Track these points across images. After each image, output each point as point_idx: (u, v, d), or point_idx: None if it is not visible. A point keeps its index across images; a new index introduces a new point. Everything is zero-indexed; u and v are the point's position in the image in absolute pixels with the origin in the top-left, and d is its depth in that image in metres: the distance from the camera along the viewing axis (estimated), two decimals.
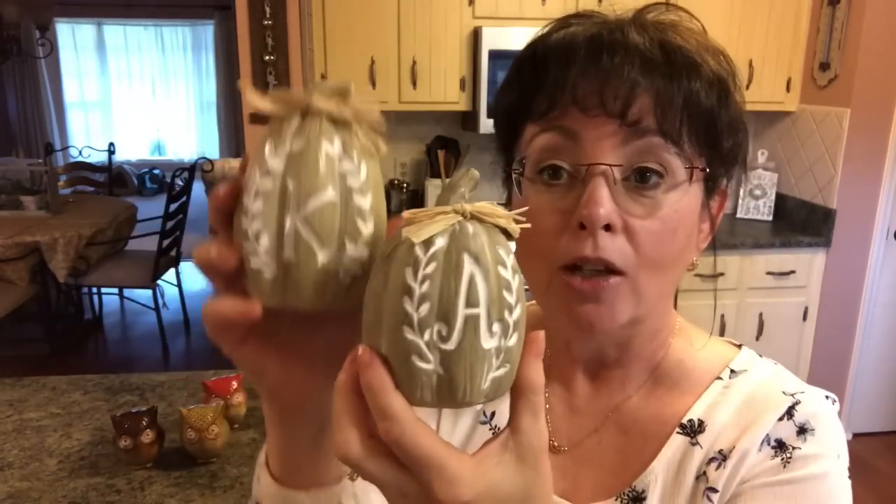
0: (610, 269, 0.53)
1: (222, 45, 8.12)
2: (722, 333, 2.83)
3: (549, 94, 0.54)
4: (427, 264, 0.35)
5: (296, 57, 2.84)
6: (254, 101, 0.39)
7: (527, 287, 0.50)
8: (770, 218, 3.40)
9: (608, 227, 0.52)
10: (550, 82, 0.54)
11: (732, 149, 0.58)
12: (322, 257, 0.39)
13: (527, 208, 0.39)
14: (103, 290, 4.66)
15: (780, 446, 0.56)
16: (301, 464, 0.49)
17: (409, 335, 0.35)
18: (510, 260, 0.37)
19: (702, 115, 0.54)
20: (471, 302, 0.35)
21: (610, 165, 0.52)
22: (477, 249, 0.36)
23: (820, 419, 0.57)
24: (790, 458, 0.56)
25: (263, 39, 2.81)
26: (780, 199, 3.41)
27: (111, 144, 5.70)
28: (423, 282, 0.35)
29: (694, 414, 0.60)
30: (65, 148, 7.30)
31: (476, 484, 0.36)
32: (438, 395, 0.36)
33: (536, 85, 0.55)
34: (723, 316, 2.82)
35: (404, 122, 3.41)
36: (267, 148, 0.39)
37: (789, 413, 0.57)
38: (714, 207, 0.60)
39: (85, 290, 4.58)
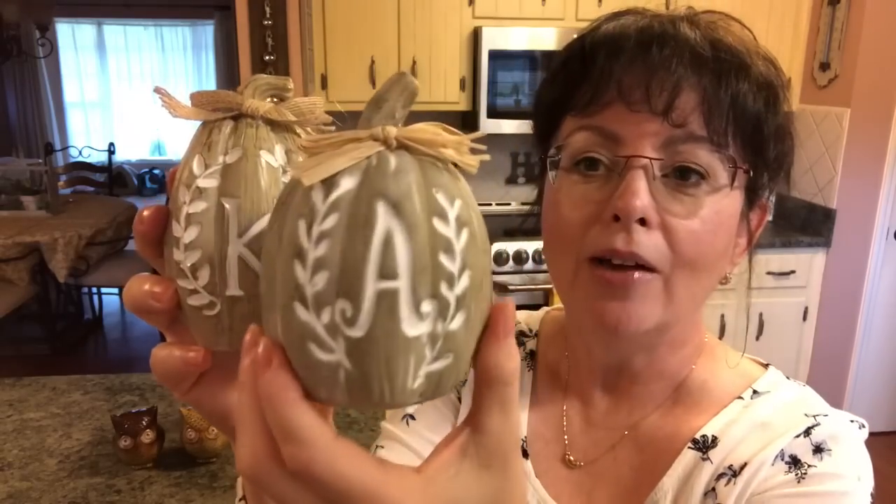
0: (641, 266, 0.50)
1: (222, 45, 8.11)
2: (722, 333, 2.83)
3: (593, 84, 0.52)
4: (326, 216, 0.25)
5: (296, 57, 2.84)
6: (174, 108, 0.33)
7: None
8: (770, 218, 3.39)
9: (643, 222, 0.50)
10: (596, 73, 0.52)
11: (777, 157, 0.55)
12: None
13: (484, 133, 0.29)
14: (103, 290, 4.66)
15: (795, 462, 0.53)
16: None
17: (303, 315, 0.26)
18: (456, 209, 0.26)
19: (748, 119, 0.52)
20: (385, 272, 0.25)
21: (650, 158, 0.50)
22: (398, 194, 0.25)
23: (840, 441, 0.54)
24: (804, 474, 0.53)
25: (263, 39, 2.81)
26: (780, 199, 3.41)
27: (111, 144, 5.70)
28: (318, 241, 0.25)
29: (708, 430, 0.58)
30: (65, 148, 7.30)
31: None
32: (349, 394, 0.26)
33: (582, 76, 0.53)
34: (723, 316, 2.82)
35: (404, 122, 3.40)
36: (195, 162, 0.32)
37: (807, 432, 0.54)
38: (753, 221, 0.58)
39: (85, 290, 4.57)
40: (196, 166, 0.32)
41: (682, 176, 0.51)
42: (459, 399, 0.69)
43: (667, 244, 0.51)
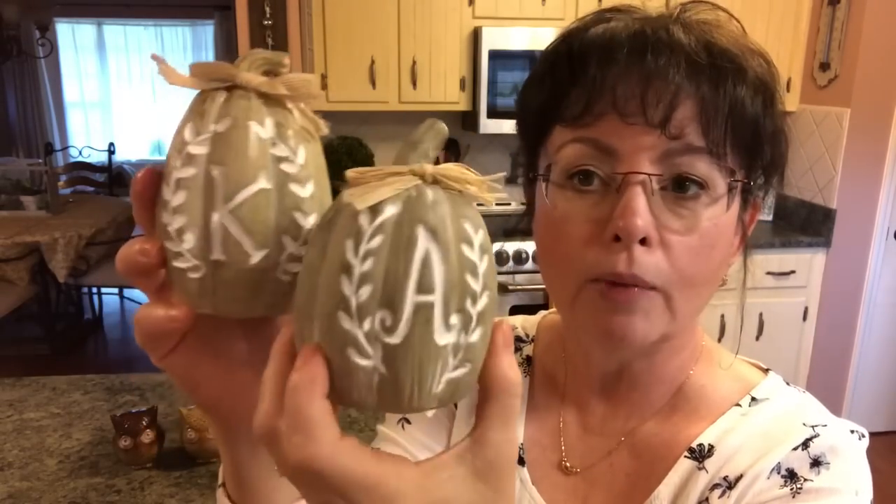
0: (642, 286, 0.50)
1: (222, 45, 8.10)
2: (722, 334, 2.83)
3: (585, 94, 0.50)
4: (372, 237, 0.29)
5: (296, 57, 2.84)
6: (169, 75, 0.34)
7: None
8: (770, 218, 3.40)
9: (644, 241, 0.48)
10: (588, 81, 0.50)
11: (774, 159, 0.54)
12: (256, 256, 0.33)
13: (504, 174, 0.34)
14: (103, 290, 4.66)
15: (791, 476, 0.52)
16: (257, 484, 0.43)
17: (345, 323, 0.29)
18: (479, 237, 0.31)
19: (747, 125, 0.50)
20: (423, 287, 0.29)
21: (648, 175, 0.49)
22: (436, 222, 0.29)
23: (839, 453, 0.53)
24: (800, 489, 0.51)
25: (263, 39, 2.81)
26: (780, 199, 3.41)
27: (111, 144, 5.70)
28: (365, 258, 0.29)
29: (705, 439, 0.57)
30: (65, 148, 7.30)
31: (419, 499, 0.31)
32: (380, 397, 0.30)
33: (571, 83, 0.51)
34: (722, 316, 2.82)
35: (404, 122, 3.41)
36: (187, 130, 0.34)
37: (805, 444, 0.53)
38: (747, 219, 0.57)
39: (85, 290, 4.58)
40: (188, 133, 0.33)
41: (680, 188, 0.50)
42: (455, 404, 0.68)
43: (666, 261, 0.50)
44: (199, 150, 0.33)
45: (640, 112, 0.48)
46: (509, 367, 0.32)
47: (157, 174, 0.35)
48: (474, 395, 0.33)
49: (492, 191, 0.31)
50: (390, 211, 0.29)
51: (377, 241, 0.29)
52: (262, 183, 0.33)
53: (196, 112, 0.34)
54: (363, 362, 0.29)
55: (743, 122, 0.50)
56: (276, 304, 0.35)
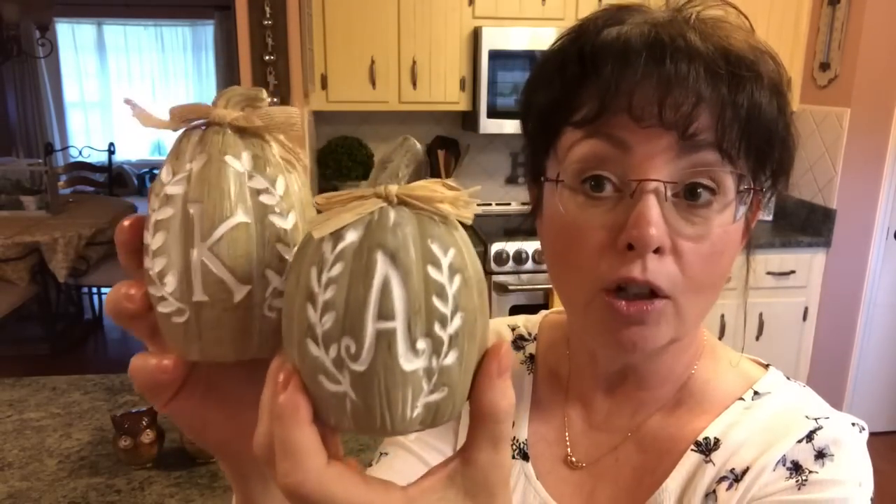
0: (654, 292, 0.50)
1: (222, 45, 8.10)
2: (722, 333, 2.83)
3: (598, 96, 0.49)
4: (333, 264, 0.29)
5: (296, 57, 2.84)
6: (145, 119, 0.33)
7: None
8: (770, 218, 3.40)
9: (657, 250, 0.49)
10: (602, 84, 0.49)
11: (782, 162, 0.54)
12: (239, 293, 0.32)
13: (479, 188, 0.32)
14: (103, 290, 4.66)
15: (796, 468, 0.53)
16: None
17: (314, 350, 0.29)
18: (449, 258, 0.29)
19: (762, 131, 0.50)
20: (384, 313, 0.28)
21: (664, 182, 0.48)
22: (395, 245, 0.28)
23: (842, 445, 0.54)
24: (805, 480, 0.52)
25: (263, 39, 2.81)
26: (780, 199, 3.41)
27: (111, 144, 5.70)
28: (327, 286, 0.28)
29: (710, 432, 0.58)
30: (65, 148, 7.30)
31: None
32: (355, 421, 0.30)
33: (583, 85, 0.51)
34: (723, 316, 2.82)
35: (404, 122, 3.41)
36: (164, 171, 0.33)
37: (809, 437, 0.54)
38: (750, 218, 0.56)
39: (85, 290, 4.58)
40: (164, 174, 0.33)
41: (692, 195, 0.49)
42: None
43: (678, 269, 0.50)
44: (175, 189, 0.33)
45: (656, 117, 0.48)
46: (501, 396, 0.31)
47: (142, 221, 0.34)
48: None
49: (467, 206, 0.30)
50: (350, 237, 0.29)
51: (337, 268, 0.29)
52: (241, 216, 0.32)
53: (173, 153, 0.34)
54: (334, 388, 0.29)
55: (759, 129, 0.50)
56: (265, 343, 0.34)
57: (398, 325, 0.28)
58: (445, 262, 0.29)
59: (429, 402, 0.30)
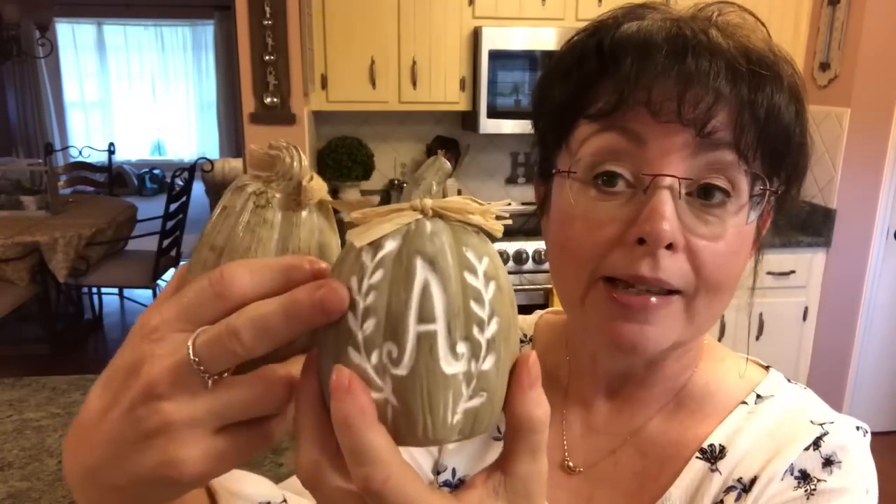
0: (666, 288, 0.49)
1: (222, 45, 8.11)
2: (722, 333, 2.83)
3: (616, 89, 0.49)
4: (373, 272, 0.30)
5: (296, 57, 2.84)
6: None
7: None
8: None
9: (669, 246, 0.48)
10: (622, 77, 0.48)
11: (797, 167, 0.53)
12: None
13: (508, 201, 0.32)
14: (103, 290, 4.66)
15: (805, 477, 0.53)
16: None
17: (355, 358, 0.29)
18: (483, 265, 0.31)
19: (780, 133, 0.50)
20: (424, 316, 0.29)
21: (679, 178, 0.47)
22: (433, 252, 0.30)
23: (849, 452, 0.54)
24: (814, 490, 0.52)
25: (263, 39, 2.81)
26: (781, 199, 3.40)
27: (111, 144, 5.70)
28: (367, 293, 0.29)
29: (715, 439, 0.57)
30: (65, 148, 7.30)
31: None
32: (395, 430, 0.30)
33: (601, 78, 0.50)
34: (723, 316, 2.82)
35: (404, 122, 3.41)
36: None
37: (816, 444, 0.54)
38: (762, 223, 0.56)
39: (85, 290, 4.57)
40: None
41: (706, 195, 0.49)
42: None
43: (691, 267, 0.49)
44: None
45: (675, 112, 0.47)
46: (536, 406, 0.31)
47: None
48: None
49: (497, 218, 0.32)
50: (390, 246, 0.30)
51: (378, 275, 0.30)
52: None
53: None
54: (375, 395, 0.29)
55: (777, 130, 0.50)
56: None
57: (439, 327, 0.29)
58: (481, 269, 0.31)
59: (468, 407, 0.30)
